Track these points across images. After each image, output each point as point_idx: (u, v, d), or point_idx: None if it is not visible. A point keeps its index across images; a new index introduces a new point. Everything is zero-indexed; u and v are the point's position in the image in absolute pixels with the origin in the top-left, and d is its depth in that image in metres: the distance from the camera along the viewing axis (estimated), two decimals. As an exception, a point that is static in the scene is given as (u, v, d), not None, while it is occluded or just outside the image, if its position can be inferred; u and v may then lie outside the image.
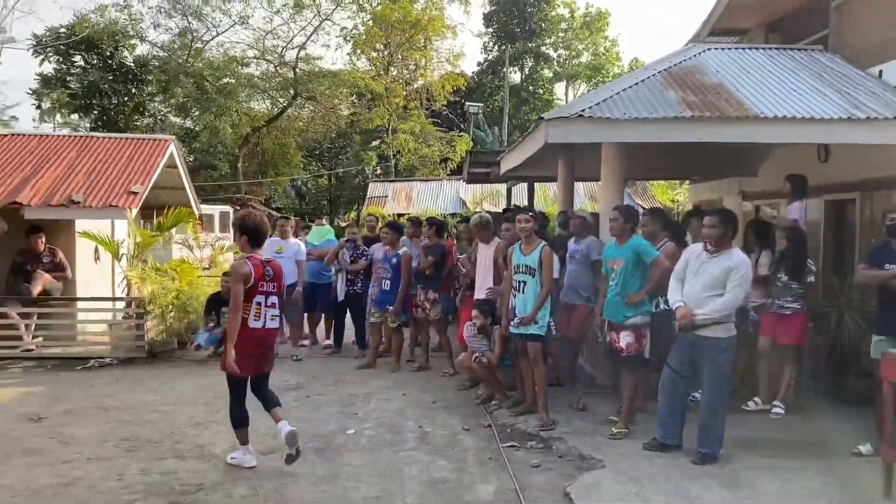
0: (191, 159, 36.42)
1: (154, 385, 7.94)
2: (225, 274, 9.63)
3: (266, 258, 5.44)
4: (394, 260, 8.65)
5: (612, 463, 5.33)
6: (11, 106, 31.58)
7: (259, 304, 5.20)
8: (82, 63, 33.99)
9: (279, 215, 13.40)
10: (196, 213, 13.66)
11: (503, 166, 10.35)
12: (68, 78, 33.74)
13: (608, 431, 6.00)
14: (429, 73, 38.17)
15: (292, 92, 35.34)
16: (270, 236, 9.83)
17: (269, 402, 5.48)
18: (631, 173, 8.34)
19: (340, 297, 9.42)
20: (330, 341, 9.99)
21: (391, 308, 8.55)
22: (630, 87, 7.54)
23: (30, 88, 34.11)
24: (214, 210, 19.87)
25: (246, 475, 5.19)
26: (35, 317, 9.48)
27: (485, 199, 22.58)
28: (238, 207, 27.07)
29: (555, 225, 9.78)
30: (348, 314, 9.74)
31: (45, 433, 6.10)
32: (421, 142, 35.95)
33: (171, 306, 9.39)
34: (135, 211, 9.77)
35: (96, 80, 32.33)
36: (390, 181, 28.18)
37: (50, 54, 33.20)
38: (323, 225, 10.66)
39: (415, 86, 37.97)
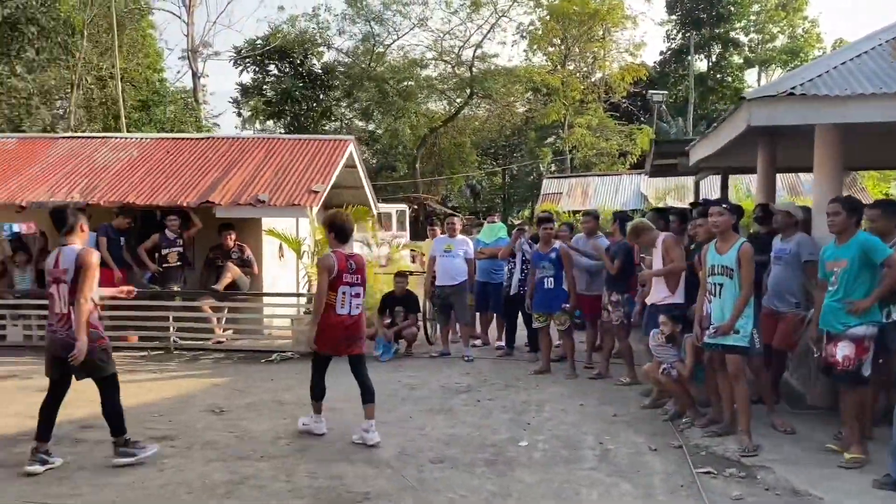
0: (373, 161, 37.90)
1: (329, 381, 7.96)
2: (398, 274, 9.57)
3: (349, 252, 6.00)
4: (552, 255, 8.10)
5: (836, 502, 4.48)
6: (217, 115, 34.34)
7: (344, 293, 5.79)
8: (276, 71, 36.40)
9: (448, 213, 13.31)
10: (374, 211, 13.90)
11: (693, 156, 9.45)
12: (264, 86, 36.26)
13: (825, 461, 5.10)
14: (607, 65, 36.92)
15: (468, 91, 35.60)
16: (441, 234, 9.72)
17: (367, 392, 6.03)
18: (849, 161, 7.21)
19: (513, 290, 9.02)
20: (502, 342, 9.64)
21: (563, 307, 8.00)
22: (850, 59, 6.47)
23: (231, 97, 37.05)
24: (392, 209, 20.30)
25: (411, 485, 4.91)
26: (226, 310, 9.96)
27: (669, 193, 21.25)
28: (415, 207, 27.67)
29: (750, 221, 8.74)
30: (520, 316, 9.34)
31: (224, 426, 6.22)
32: (598, 136, 34.84)
33: (347, 303, 9.42)
34: (315, 209, 9.95)
35: (289, 87, 34.43)
36: (565, 177, 27.44)
37: (248, 64, 35.84)
38: (495, 222, 10.31)
39: (592, 79, 36.93)
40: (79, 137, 12.37)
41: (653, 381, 6.62)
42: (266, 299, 10.18)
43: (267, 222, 10.45)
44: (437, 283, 9.32)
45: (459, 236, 9.42)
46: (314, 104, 35.57)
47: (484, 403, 7.00)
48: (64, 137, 12.46)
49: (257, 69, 36.34)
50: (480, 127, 39.78)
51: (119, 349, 9.48)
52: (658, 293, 6.79)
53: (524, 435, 5.99)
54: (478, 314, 10.14)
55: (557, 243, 8.18)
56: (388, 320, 9.41)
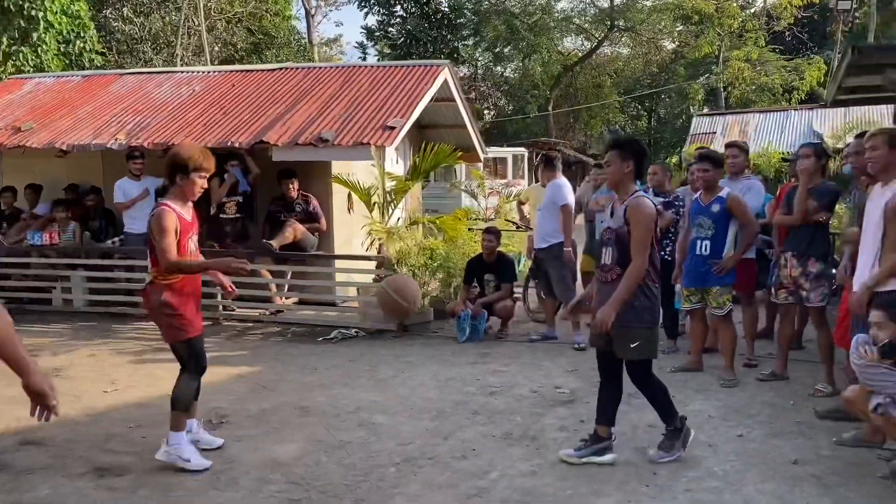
0: (508, 108, 35.39)
1: (387, 373, 6.02)
2: (487, 231, 7.38)
3: None
4: (714, 207, 5.61)
5: None
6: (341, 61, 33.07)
7: None
8: (402, 13, 34.49)
9: (580, 159, 10.88)
10: (481, 155, 11.72)
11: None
12: (389, 28, 34.51)
13: None
14: (770, -14, 32.07)
15: (608, 24, 32.10)
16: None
17: None
18: None
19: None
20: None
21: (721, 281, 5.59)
22: None
23: (356, 42, 35.67)
24: (507, 153, 17.91)
25: None
26: (288, 275, 8.23)
27: (851, 131, 17.36)
28: (544, 153, 25.11)
29: None
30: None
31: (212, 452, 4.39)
32: (759, 70, 30.44)
33: (423, 268, 7.42)
34: (390, 149, 7.93)
35: (414, 28, 32.48)
36: (720, 114, 23.72)
37: (373, 6, 34.15)
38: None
39: (752, 8, 32.29)
40: (144, 73, 10.99)
41: (859, 414, 4.12)
42: (336, 263, 8.33)
43: (339, 167, 8.53)
44: (534, 244, 7.11)
45: (560, 179, 7.07)
46: (441, 46, 33.42)
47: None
48: (129, 73, 11.13)
49: (383, 10, 34.60)
50: (623, 66, 36.13)
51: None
52: (866, 270, 4.24)
53: (645, 501, 3.74)
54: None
55: (725, 190, 5.69)
56: (477, 289, 7.31)
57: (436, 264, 7.44)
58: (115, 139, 8.57)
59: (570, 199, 6.93)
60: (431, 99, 9.49)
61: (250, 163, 8.30)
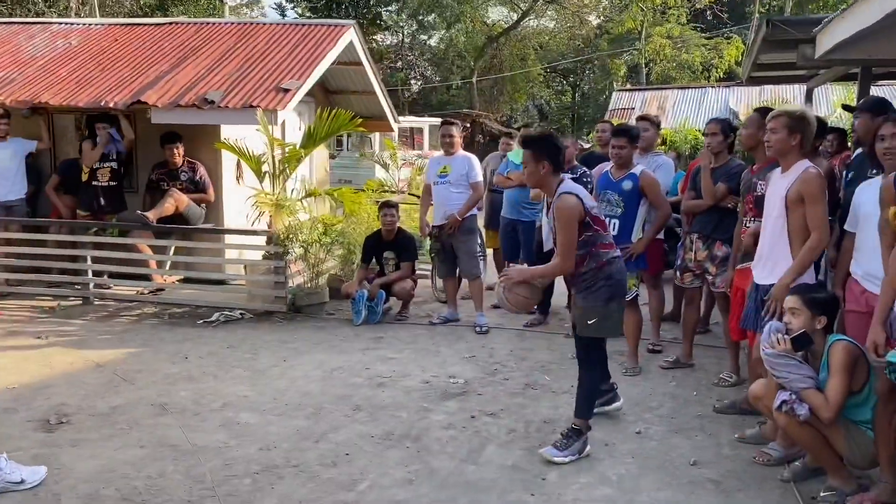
0: (436, 78, 34.60)
1: (266, 363, 5.46)
2: (384, 205, 6.83)
3: None
4: (625, 184, 5.25)
5: None
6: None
7: None
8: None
9: (505, 131, 10.49)
10: (393, 124, 11.12)
11: (824, 42, 6.27)
12: (308, -10, 33.19)
13: None
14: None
15: (534, -6, 31.73)
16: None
17: None
18: None
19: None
20: (534, 305, 6.90)
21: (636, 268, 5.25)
22: None
23: (274, 3, 34.21)
24: (424, 122, 17.32)
25: None
26: (171, 250, 7.51)
27: (767, 105, 17.51)
28: (467, 125, 24.60)
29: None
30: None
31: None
32: (680, 47, 30.66)
33: (318, 244, 6.84)
34: (283, 114, 7.26)
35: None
36: (638, 90, 23.70)
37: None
38: (532, 136, 7.35)
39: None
40: (15, 23, 9.89)
41: (763, 411, 3.82)
42: (225, 238, 7.64)
43: (232, 132, 7.79)
44: (434, 220, 6.64)
45: (461, 153, 6.63)
46: (364, 10, 32.37)
47: (480, 425, 4.33)
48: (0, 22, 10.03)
49: (303, -30, 33.24)
50: (548, 39, 35.84)
51: (20, 297, 7.28)
52: (777, 265, 3.91)
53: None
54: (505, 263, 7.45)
55: (638, 167, 5.31)
56: (373, 275, 6.81)
57: (329, 239, 6.86)
58: (-27, 95, 7.61)
59: (478, 175, 6.56)
60: (336, 61, 8.84)
61: (125, 126, 7.50)
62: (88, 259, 7.21)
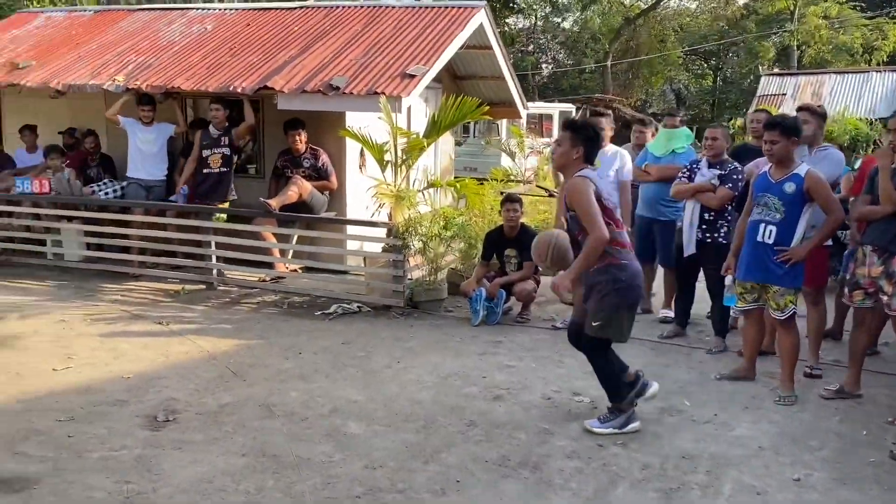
0: (568, 61, 33.61)
1: (380, 363, 5.19)
2: (508, 199, 6.39)
3: None
4: (787, 186, 4.54)
5: None
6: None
7: None
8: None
9: (639, 118, 9.83)
10: (521, 110, 10.64)
11: None
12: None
13: None
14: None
15: (676, -27, 30.08)
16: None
17: None
18: None
19: (689, 248, 5.59)
20: (669, 311, 6.28)
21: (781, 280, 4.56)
22: None
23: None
24: (553, 109, 16.62)
25: None
26: (294, 239, 7.44)
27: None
28: (598, 110, 23.61)
29: None
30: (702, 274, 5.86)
31: (134, 465, 3.62)
32: (837, 29, 28.17)
33: (437, 239, 6.52)
34: (408, 101, 6.97)
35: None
36: (791, 74, 21.82)
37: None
38: (676, 126, 6.65)
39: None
40: (156, 9, 10.16)
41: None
42: (347, 228, 7.47)
43: (356, 119, 7.59)
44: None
45: (611, 147, 6.04)
46: (497, -8, 31.83)
47: (609, 456, 3.83)
48: (141, 9, 10.32)
49: (437, -45, 33.04)
50: (689, 20, 33.93)
51: (150, 280, 7.41)
52: None
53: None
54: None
55: (803, 166, 4.61)
56: (493, 273, 6.41)
57: (450, 234, 6.51)
58: (114, 80, 7.80)
59: (629, 172, 6.01)
60: (464, 45, 8.47)
61: (247, 111, 7.46)
62: (213, 244, 7.24)
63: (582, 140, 3.92)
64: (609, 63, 30.15)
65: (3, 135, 9.22)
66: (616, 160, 5.90)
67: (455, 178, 9.95)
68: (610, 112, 6.44)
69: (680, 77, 35.76)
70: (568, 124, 4.09)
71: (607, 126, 6.03)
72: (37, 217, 8.01)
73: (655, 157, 6.37)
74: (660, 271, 6.62)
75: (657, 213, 6.29)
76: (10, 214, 8.08)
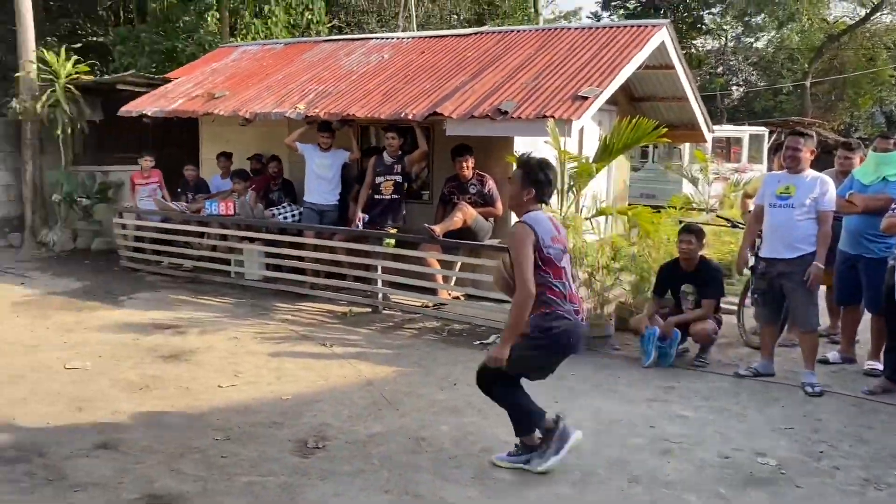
0: (760, 83, 31.59)
1: (539, 400, 4.80)
2: (685, 230, 5.82)
3: None
4: None
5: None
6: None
7: None
8: (641, -20, 32.05)
9: (842, 141, 8.83)
10: (706, 133, 9.93)
11: None
12: (628, -6, 32.25)
13: None
14: None
15: (890, -16, 27.23)
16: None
17: None
18: None
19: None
20: (877, 364, 5.42)
21: None
22: None
23: (591, 12, 33.84)
24: (743, 132, 15.41)
25: None
26: (458, 266, 7.33)
27: None
28: (800, 130, 21.70)
29: None
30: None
31: (278, 494, 3.57)
32: None
33: (605, 270, 6.10)
34: (578, 124, 6.65)
35: (657, -7, 29.98)
36: None
37: (611, -25, 32.09)
38: (888, 150, 5.76)
39: None
40: (339, 40, 10.58)
41: None
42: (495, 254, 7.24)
43: (526, 144, 7.39)
44: (761, 251, 5.44)
45: (810, 172, 5.34)
46: (684, 14, 30.54)
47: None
48: (325, 41, 10.79)
49: (623, -21, 32.37)
50: (905, 35, 30.62)
51: (320, 301, 7.59)
52: None
53: None
54: (839, 308, 6.04)
55: None
56: (667, 309, 5.87)
57: (619, 265, 6.07)
58: (295, 108, 8.17)
59: (830, 201, 5.23)
60: (643, 65, 8.02)
61: (419, 138, 7.48)
62: (379, 269, 7.29)
63: (531, 182, 3.71)
64: (808, 83, 27.81)
65: (200, 160, 9.97)
66: (815, 186, 5.18)
67: (629, 205, 9.47)
68: (812, 133, 5.68)
69: (892, 98, 32.27)
70: (521, 162, 3.84)
71: (806, 148, 5.33)
72: (223, 237, 8.52)
73: (863, 185, 5.56)
74: (866, 316, 5.76)
75: (863, 248, 5.47)
76: (200, 235, 8.67)
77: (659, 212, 7.32)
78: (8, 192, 11.04)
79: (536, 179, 3.73)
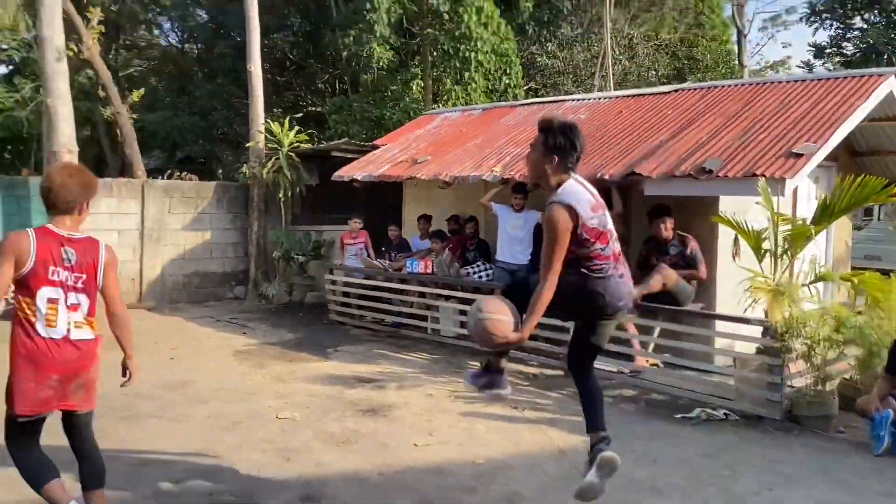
0: None
1: (747, 487, 4.45)
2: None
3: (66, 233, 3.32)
4: None
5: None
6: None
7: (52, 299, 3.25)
8: (861, 24, 29.67)
9: None
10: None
11: None
12: (843, 43, 29.94)
13: None
14: None
15: None
16: None
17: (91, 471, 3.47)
18: None
19: None
20: None
21: None
22: None
23: (801, 61, 31.79)
24: None
25: None
26: (656, 332, 7.02)
27: None
28: None
29: None
30: None
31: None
32: None
33: (827, 343, 5.52)
34: (793, 183, 6.17)
35: (876, 40, 27.57)
36: None
37: (825, 20, 30.03)
38: None
39: None
40: (535, 104, 10.73)
41: None
42: (715, 323, 6.82)
43: (731, 204, 7.01)
44: None
45: None
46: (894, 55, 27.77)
47: None
48: (521, 105, 10.99)
49: (838, 24, 30.14)
50: None
51: (512, 361, 7.54)
52: None
53: None
54: None
55: None
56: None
57: (843, 337, 5.47)
58: (492, 171, 8.36)
59: None
60: (868, 118, 7.34)
61: (615, 198, 7.31)
62: (571, 331, 7.13)
63: (553, 147, 3.40)
64: None
65: (403, 220, 10.48)
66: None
67: (852, 268, 8.61)
68: None
69: None
70: (542, 124, 3.47)
71: None
72: (422, 295, 8.83)
73: None
74: None
75: None
76: (401, 292, 9.05)
77: (889, 276, 6.57)
78: (236, 249, 12.26)
79: (556, 145, 3.43)
